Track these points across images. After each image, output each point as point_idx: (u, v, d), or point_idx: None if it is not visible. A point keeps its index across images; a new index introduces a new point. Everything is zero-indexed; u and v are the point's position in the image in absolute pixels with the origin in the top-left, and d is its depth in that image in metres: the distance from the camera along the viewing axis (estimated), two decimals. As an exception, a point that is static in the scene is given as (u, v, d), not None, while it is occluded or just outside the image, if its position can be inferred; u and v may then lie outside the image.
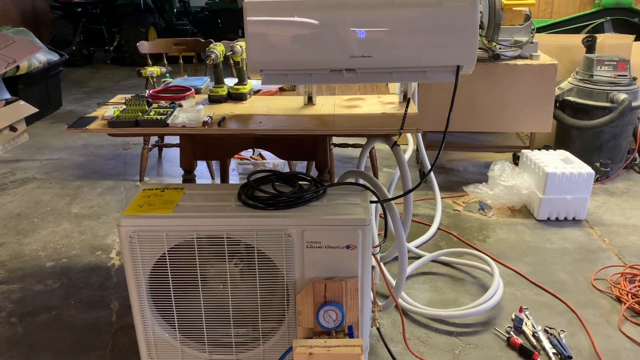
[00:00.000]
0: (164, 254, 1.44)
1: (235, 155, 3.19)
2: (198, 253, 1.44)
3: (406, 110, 1.63)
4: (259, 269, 1.44)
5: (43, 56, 4.24)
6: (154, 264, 1.46)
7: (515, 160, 3.20)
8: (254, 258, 1.43)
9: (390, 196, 1.64)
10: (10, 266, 2.33)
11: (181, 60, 3.27)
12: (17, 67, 3.87)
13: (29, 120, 4.19)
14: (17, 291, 2.15)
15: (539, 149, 2.88)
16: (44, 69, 4.27)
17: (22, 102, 3.79)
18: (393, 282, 2.04)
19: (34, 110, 3.82)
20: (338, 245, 1.41)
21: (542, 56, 2.89)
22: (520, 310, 1.87)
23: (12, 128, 3.73)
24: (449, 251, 2.27)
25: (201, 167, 3.28)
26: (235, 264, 1.47)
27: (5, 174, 3.31)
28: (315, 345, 1.28)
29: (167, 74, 3.27)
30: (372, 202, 1.56)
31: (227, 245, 1.43)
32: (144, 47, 3.22)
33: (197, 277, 1.47)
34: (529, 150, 2.79)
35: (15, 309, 2.04)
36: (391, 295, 1.63)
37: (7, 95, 3.72)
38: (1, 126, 3.56)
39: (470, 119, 2.88)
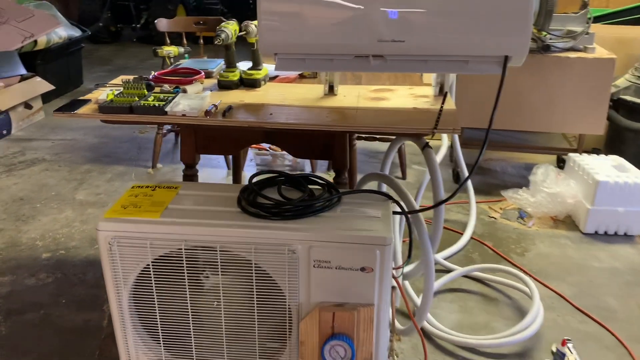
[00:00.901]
0: (148, 265, 1.24)
1: (252, 145, 2.97)
2: (187, 266, 1.23)
3: (442, 106, 1.38)
4: (257, 288, 1.23)
5: (64, 31, 4.08)
6: (137, 276, 1.26)
7: (560, 163, 2.91)
8: (252, 275, 1.22)
9: (418, 205, 1.40)
10: (4, 255, 2.17)
11: (201, 41, 3.07)
12: (35, 42, 3.73)
13: (47, 97, 4.05)
14: (7, 284, 1.99)
15: (588, 153, 2.58)
16: (65, 45, 4.12)
17: (38, 79, 3.64)
18: (416, 301, 1.80)
19: (51, 87, 3.68)
20: (351, 267, 1.18)
21: (598, 49, 2.58)
22: (564, 343, 1.61)
23: (27, 105, 3.59)
24: (483, 267, 2.01)
25: (217, 157, 3.08)
26: (230, 280, 1.25)
27: (15, 153, 3.18)
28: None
29: (186, 55, 3.08)
30: (395, 213, 1.32)
31: (221, 259, 1.21)
32: (162, 24, 3.02)
33: (186, 294, 1.26)
34: (577, 155, 2.50)
35: (2, 305, 1.88)
36: (413, 323, 1.40)
37: (23, 71, 3.58)
38: (15, 103, 3.42)
39: (513, 117, 2.59)
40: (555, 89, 2.53)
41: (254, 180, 1.32)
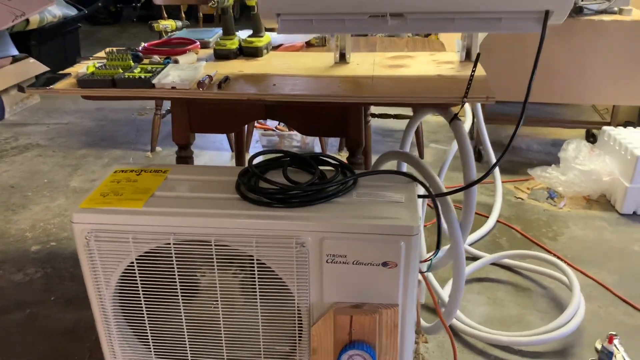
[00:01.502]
0: (132, 263, 1.05)
1: (257, 125, 2.78)
2: (178, 264, 1.05)
3: (474, 71, 1.18)
4: (260, 287, 1.04)
5: (58, 10, 3.88)
6: (121, 276, 1.08)
7: (590, 138, 2.69)
8: (254, 273, 1.03)
9: (444, 188, 1.20)
10: (-9, 248, 2.01)
11: (200, 14, 2.86)
12: (27, 21, 3.53)
13: (43, 80, 3.87)
14: (-8, 280, 1.83)
15: (623, 126, 2.37)
16: (59, 24, 3.92)
17: (31, 60, 3.46)
18: (440, 292, 1.61)
19: (45, 68, 3.49)
20: (371, 262, 1.00)
21: (635, 11, 2.35)
22: (611, 340, 1.42)
23: (21, 88, 3.40)
24: (514, 253, 1.82)
25: (220, 137, 2.90)
26: (229, 279, 1.07)
27: (7, 138, 3.00)
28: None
29: (184, 29, 2.87)
30: (420, 196, 1.13)
31: (218, 255, 1.03)
32: (158, -3, 2.81)
33: (178, 295, 1.08)
34: (612, 128, 2.28)
35: (-15, 303, 1.72)
36: (441, 321, 1.21)
37: (15, 52, 3.39)
38: (7, 85, 3.24)
39: (540, 88, 2.37)
40: (588, 56, 2.30)
41: (255, 161, 1.13)
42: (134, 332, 1.15)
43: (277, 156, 1.17)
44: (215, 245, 1.01)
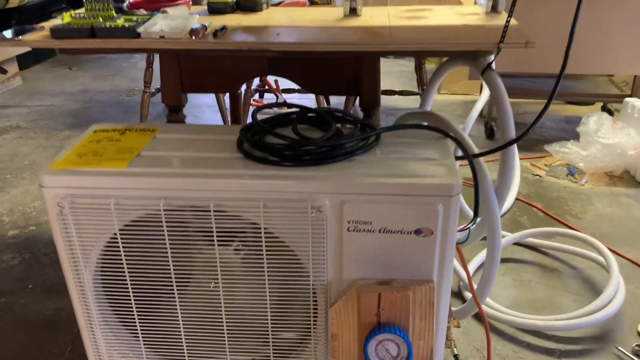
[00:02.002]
0: (115, 235, 0.88)
1: (253, 102, 2.61)
2: (170, 236, 0.88)
3: (511, 13, 1.02)
4: (268, 262, 0.88)
5: (41, -12, 3.68)
6: (102, 251, 0.91)
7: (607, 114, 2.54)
8: (261, 245, 0.87)
9: (476, 149, 1.04)
10: (-36, 234, 1.83)
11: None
12: (7, 0, 3.33)
13: (26, 63, 3.68)
14: (-36, 268, 1.65)
15: (643, 99, 2.21)
16: (43, 4, 3.71)
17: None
18: (464, 276, 1.45)
19: (26, 49, 3.29)
20: (402, 229, 0.83)
21: (658, -26, 2.19)
22: (657, 323, 1.27)
23: (1, 70, 3.21)
24: (541, 231, 1.66)
25: (209, 101, 2.72)
26: (231, 253, 0.90)
27: (-15, 121, 2.81)
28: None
29: None
30: (456, 158, 0.96)
31: (217, 223, 0.86)
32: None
33: (170, 275, 0.91)
34: (636, 99, 2.13)
35: (-44, 292, 1.54)
36: (475, 301, 1.05)
37: (-6, 31, 3.19)
38: (-15, 66, 3.05)
39: (557, 59, 2.21)
40: (608, 24, 2.15)
41: (260, 115, 0.96)
42: (119, 318, 0.99)
43: (286, 113, 1.00)
44: (215, 212, 0.84)
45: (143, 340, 0.99)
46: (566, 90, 2.46)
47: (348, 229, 0.84)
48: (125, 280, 0.92)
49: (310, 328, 0.92)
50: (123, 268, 0.91)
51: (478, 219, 0.97)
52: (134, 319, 0.96)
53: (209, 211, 0.84)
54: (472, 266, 1.53)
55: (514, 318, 1.33)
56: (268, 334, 0.94)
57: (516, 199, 1.93)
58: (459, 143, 0.96)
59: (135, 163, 0.89)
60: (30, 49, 3.31)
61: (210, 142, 0.96)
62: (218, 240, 0.87)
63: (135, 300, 0.94)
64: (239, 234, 0.88)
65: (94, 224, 0.88)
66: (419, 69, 2.31)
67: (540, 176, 2.11)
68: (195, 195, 0.84)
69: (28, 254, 1.71)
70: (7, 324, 1.42)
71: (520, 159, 2.21)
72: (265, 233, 0.85)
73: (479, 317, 1.39)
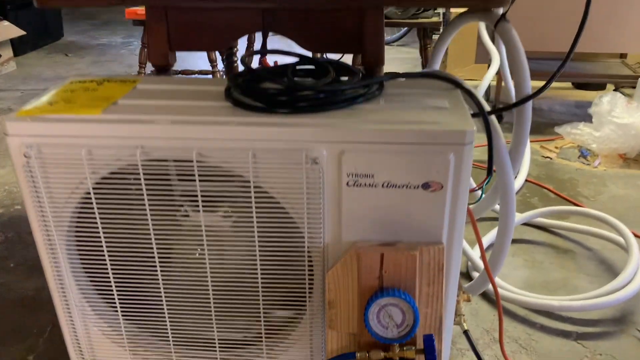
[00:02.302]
0: (88, 192, 0.79)
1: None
2: (149, 192, 0.79)
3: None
4: (258, 223, 0.79)
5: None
6: (75, 209, 0.82)
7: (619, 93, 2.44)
8: (250, 201, 0.77)
9: (488, 107, 0.95)
10: (-55, 213, 1.74)
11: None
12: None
13: (22, 49, 3.60)
14: (-57, 247, 1.56)
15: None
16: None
17: (5, 23, 3.18)
18: (473, 255, 1.36)
19: (20, 32, 3.21)
20: (407, 183, 0.74)
21: (674, -51, 2.10)
22: (682, 303, 1.18)
23: (-6, 53, 3.13)
24: (554, 210, 1.57)
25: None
26: (217, 212, 0.81)
27: (-24, 104, 2.73)
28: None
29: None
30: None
31: (201, 178, 0.77)
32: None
33: (150, 237, 0.82)
34: (652, 78, 2.03)
35: None
36: (486, 272, 0.95)
37: (-13, 13, 3.11)
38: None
39: (567, 37, 2.12)
40: (623, 1, 2.06)
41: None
42: (94, 287, 0.90)
43: (282, 65, 0.91)
44: (199, 163, 0.75)
45: (121, 312, 0.90)
46: (577, 71, 2.37)
47: (347, 184, 0.75)
48: (101, 243, 0.83)
49: (305, 298, 0.83)
50: (97, 229, 0.82)
51: (490, 179, 0.88)
52: (111, 287, 0.87)
53: (191, 161, 0.75)
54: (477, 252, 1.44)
55: (526, 298, 1.24)
56: (259, 305, 0.84)
57: (526, 180, 1.84)
58: (472, 95, 0.87)
59: (111, 110, 0.80)
60: (25, 33, 3.23)
61: (196, 92, 0.87)
62: (203, 201, 0.78)
63: (111, 266, 0.85)
64: (225, 194, 0.78)
65: (65, 178, 0.79)
66: (423, 49, 2.22)
67: (551, 158, 2.02)
68: (176, 145, 0.75)
69: (12, 233, 1.62)
70: (-15, 302, 1.34)
71: (530, 141, 2.12)
72: (255, 189, 0.76)
73: (488, 298, 1.30)
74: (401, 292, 0.71)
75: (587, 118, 2.07)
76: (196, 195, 0.78)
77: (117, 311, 0.90)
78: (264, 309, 0.85)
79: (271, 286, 0.84)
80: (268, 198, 0.77)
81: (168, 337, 0.91)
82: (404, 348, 0.72)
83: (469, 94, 0.87)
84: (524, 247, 1.50)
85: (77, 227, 0.84)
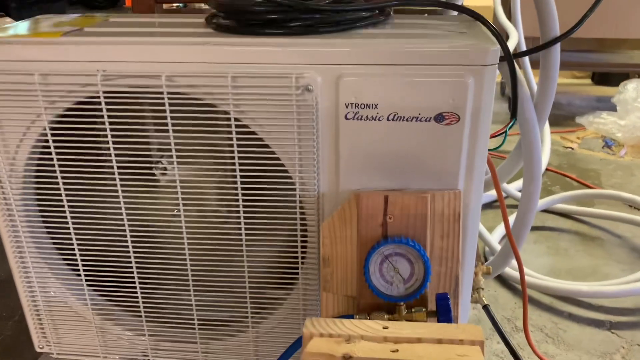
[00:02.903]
0: (44, 131, 0.68)
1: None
2: (113, 131, 0.67)
3: None
4: (241, 166, 0.67)
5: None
6: (31, 151, 0.70)
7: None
8: (230, 141, 0.66)
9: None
10: None
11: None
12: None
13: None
14: None
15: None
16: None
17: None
18: (492, 241, 1.23)
19: (23, 29, 3.15)
20: (417, 115, 0.62)
21: None
22: None
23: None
24: (578, 194, 1.43)
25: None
26: (190, 154, 0.69)
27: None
28: (360, 335, 0.49)
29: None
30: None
31: (172, 107, 0.65)
32: None
33: (115, 183, 0.70)
34: (680, 64, 1.90)
35: None
36: (510, 243, 0.82)
37: (-11, 9, 3.06)
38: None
39: (590, 21, 2.00)
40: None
41: None
42: (56, 248, 0.78)
43: None
44: (168, 87, 0.64)
45: (85, 279, 0.78)
46: (598, 61, 2.24)
47: (346, 116, 0.63)
48: (60, 193, 0.72)
49: (297, 254, 0.70)
50: (56, 178, 0.71)
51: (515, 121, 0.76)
52: (73, 248, 0.75)
53: (160, 86, 0.64)
54: (495, 236, 1.31)
55: (551, 284, 1.10)
56: (243, 264, 0.72)
57: (546, 169, 1.71)
58: (495, 33, 0.75)
59: (72, 34, 0.69)
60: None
61: (175, 22, 0.76)
62: (175, 131, 0.66)
63: (73, 221, 0.73)
64: (202, 133, 0.67)
65: (19, 112, 0.67)
66: None
67: (572, 148, 1.88)
68: (142, 69, 0.64)
69: (-8, 217, 1.51)
70: (-46, 285, 1.22)
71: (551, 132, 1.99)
72: (235, 127, 0.65)
73: (508, 284, 1.16)
74: (408, 241, 0.58)
75: (611, 109, 1.94)
76: (167, 135, 0.66)
77: (80, 277, 0.78)
78: (249, 273, 0.73)
79: (257, 249, 0.71)
80: (251, 136, 0.65)
81: (139, 311, 0.78)
82: (412, 310, 0.59)
83: (492, 31, 0.75)
84: (546, 234, 1.37)
85: (34, 174, 0.72)
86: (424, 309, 0.59)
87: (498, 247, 1.21)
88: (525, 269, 1.16)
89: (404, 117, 0.62)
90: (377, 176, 0.65)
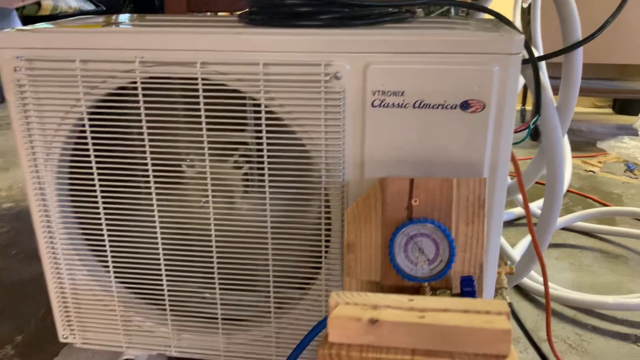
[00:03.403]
0: (82, 117, 0.71)
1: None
2: (148, 114, 0.70)
3: None
4: (270, 155, 0.68)
5: (75, 2, 3.70)
6: (68, 136, 0.73)
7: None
8: (260, 127, 0.68)
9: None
10: (-45, 206, 1.68)
11: None
12: (39, 6, 3.34)
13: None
14: (-54, 235, 1.49)
15: None
16: (74, 16, 3.74)
17: None
18: (512, 254, 1.23)
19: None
20: (443, 103, 0.63)
21: None
22: None
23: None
24: (602, 211, 1.42)
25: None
26: (222, 143, 0.71)
27: (3, 117, 2.73)
28: (386, 305, 0.49)
29: None
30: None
31: (205, 92, 0.67)
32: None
33: (147, 174, 0.72)
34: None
35: None
36: (534, 245, 0.82)
37: (23, 34, 3.17)
38: (10, 65, 3.00)
39: (609, 46, 2.02)
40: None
41: None
42: (85, 239, 0.80)
43: None
44: (203, 77, 0.66)
45: (114, 270, 0.79)
46: (619, 88, 2.25)
47: (373, 104, 0.65)
48: (93, 180, 0.74)
49: (321, 243, 0.71)
50: (90, 164, 0.73)
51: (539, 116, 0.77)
52: (104, 241, 0.77)
53: (196, 78, 0.66)
54: (517, 251, 1.30)
55: (575, 296, 1.09)
56: (268, 252, 0.73)
57: (568, 190, 1.70)
58: (519, 32, 0.77)
59: (112, 26, 0.72)
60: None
61: (212, 19, 0.79)
62: (208, 120, 0.68)
63: (105, 207, 0.75)
64: (231, 119, 0.69)
65: (56, 98, 0.70)
66: None
67: (594, 172, 1.88)
68: (178, 57, 0.66)
69: (18, 224, 1.55)
70: (-20, 285, 1.25)
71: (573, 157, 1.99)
72: (266, 111, 0.67)
73: (530, 297, 1.15)
74: (434, 222, 0.59)
75: (632, 134, 1.94)
76: (199, 127, 0.68)
77: (107, 267, 0.79)
78: (273, 263, 0.73)
79: (281, 240, 0.72)
80: (278, 122, 0.67)
81: (164, 302, 0.79)
82: (437, 291, 0.59)
83: (515, 30, 0.77)
84: (568, 251, 1.35)
85: (69, 160, 0.75)
86: (448, 291, 0.59)
87: (514, 254, 1.20)
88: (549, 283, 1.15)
89: (430, 104, 0.64)
90: (401, 164, 0.66)
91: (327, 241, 0.71)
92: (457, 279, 0.61)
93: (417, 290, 0.60)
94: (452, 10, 1.91)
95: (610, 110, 2.64)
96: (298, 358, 0.61)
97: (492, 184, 0.65)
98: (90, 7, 3.93)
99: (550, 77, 0.81)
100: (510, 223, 1.49)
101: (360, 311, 0.47)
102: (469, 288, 0.56)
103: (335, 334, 0.46)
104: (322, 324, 0.59)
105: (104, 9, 4.11)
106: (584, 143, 2.17)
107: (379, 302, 0.50)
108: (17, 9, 3.13)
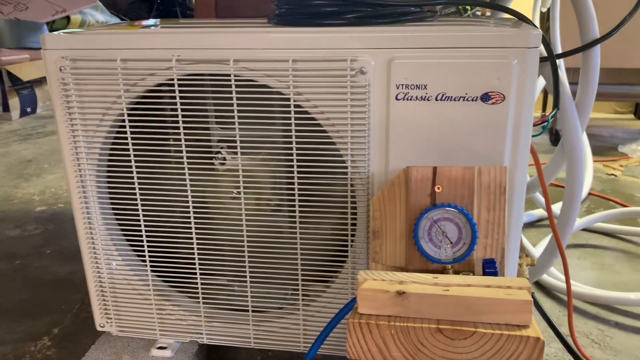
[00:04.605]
0: (122, 113, 0.75)
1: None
2: (184, 109, 0.74)
3: None
4: (298, 148, 0.72)
5: (101, 16, 3.81)
6: (108, 132, 0.77)
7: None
8: (289, 121, 0.71)
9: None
10: (-9, 209, 1.75)
11: None
12: (68, 20, 3.45)
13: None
14: (-17, 236, 1.55)
15: None
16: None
17: None
18: (534, 252, 1.24)
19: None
20: (464, 95, 0.66)
21: None
22: None
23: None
24: (621, 212, 1.43)
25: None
26: (253, 137, 0.75)
27: (35, 127, 2.82)
28: (412, 281, 0.52)
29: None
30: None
31: (237, 89, 0.71)
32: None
33: (183, 166, 0.76)
34: None
35: (-31, 255, 1.44)
36: (555, 237, 0.84)
37: (53, 47, 3.28)
38: (40, 75, 3.10)
39: (626, 50, 2.02)
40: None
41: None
42: (124, 232, 0.84)
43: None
44: (236, 73, 0.70)
45: (150, 261, 0.83)
46: (631, 91, 2.24)
47: (397, 97, 0.68)
48: (131, 175, 0.78)
49: (347, 233, 0.74)
50: (129, 159, 0.78)
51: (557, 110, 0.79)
52: (140, 230, 0.81)
53: (229, 70, 0.70)
54: (539, 249, 1.31)
55: (597, 292, 1.10)
56: (296, 243, 0.76)
57: (589, 193, 1.71)
58: (539, 30, 0.79)
59: (149, 27, 0.76)
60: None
61: (239, 21, 0.84)
62: (241, 113, 0.72)
63: (142, 199, 0.79)
64: (262, 112, 0.73)
65: (98, 95, 0.75)
66: None
67: (615, 175, 1.88)
68: (211, 55, 0.71)
69: (51, 226, 1.60)
70: (18, 282, 1.30)
71: (594, 161, 1.99)
72: (295, 107, 0.70)
73: (552, 294, 1.16)
74: (457, 207, 0.62)
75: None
76: (231, 121, 0.72)
77: (144, 260, 0.83)
78: (302, 253, 0.77)
79: (308, 230, 0.76)
80: (305, 116, 0.71)
81: (197, 294, 0.83)
82: (460, 273, 0.62)
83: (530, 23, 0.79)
84: (590, 251, 1.36)
85: (108, 155, 0.79)
86: (471, 274, 0.62)
87: (534, 251, 1.22)
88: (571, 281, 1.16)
89: (451, 96, 0.67)
90: (424, 155, 0.69)
91: (352, 232, 0.74)
92: (479, 265, 0.64)
93: (440, 273, 0.62)
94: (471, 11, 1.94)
95: (631, 116, 2.64)
96: (325, 340, 0.64)
97: (512, 172, 0.68)
98: (115, 20, 4.05)
99: (570, 83, 0.83)
100: (531, 224, 1.50)
101: (387, 285, 0.50)
102: (491, 269, 0.59)
103: (365, 305, 0.49)
104: (352, 303, 0.62)
105: (128, 21, 4.22)
106: (605, 148, 2.17)
107: (405, 279, 0.53)
108: (47, 23, 3.23)
